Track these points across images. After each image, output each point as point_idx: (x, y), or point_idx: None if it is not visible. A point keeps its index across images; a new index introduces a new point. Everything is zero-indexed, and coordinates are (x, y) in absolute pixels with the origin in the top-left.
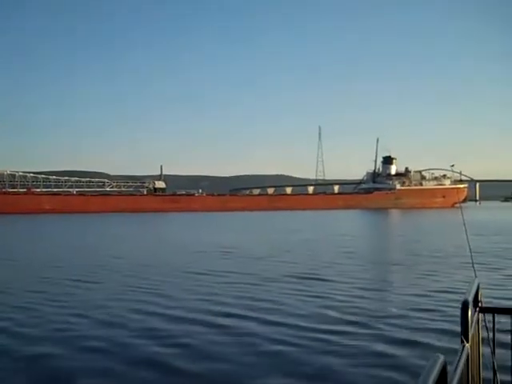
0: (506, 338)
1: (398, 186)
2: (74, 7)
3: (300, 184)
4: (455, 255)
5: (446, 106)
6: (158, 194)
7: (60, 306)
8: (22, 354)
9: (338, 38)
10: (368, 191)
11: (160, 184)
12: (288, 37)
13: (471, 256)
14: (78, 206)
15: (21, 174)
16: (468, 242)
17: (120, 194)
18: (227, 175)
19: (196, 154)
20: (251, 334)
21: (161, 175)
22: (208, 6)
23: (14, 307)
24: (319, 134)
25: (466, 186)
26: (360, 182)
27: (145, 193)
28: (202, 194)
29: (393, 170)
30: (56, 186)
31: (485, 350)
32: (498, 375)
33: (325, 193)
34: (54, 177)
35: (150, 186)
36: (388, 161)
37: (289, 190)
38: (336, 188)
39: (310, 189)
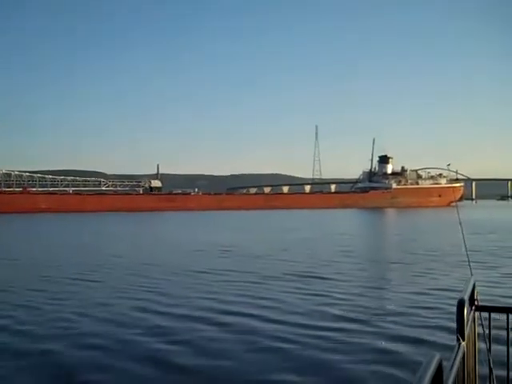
0: (502, 336)
1: (394, 185)
2: (73, 7)
3: (297, 183)
4: (452, 254)
5: (445, 106)
6: (154, 193)
7: (61, 304)
8: (24, 351)
9: (338, 38)
10: (364, 190)
11: (156, 183)
12: (288, 37)
13: (467, 255)
14: (74, 205)
15: (16, 173)
16: (464, 240)
17: (116, 193)
18: (224, 174)
19: (193, 153)
20: (252, 331)
21: (157, 174)
22: (208, 6)
23: (16, 305)
24: (316, 133)
25: (462, 184)
26: (356, 181)
27: (141, 192)
28: (198, 193)
29: (389, 169)
30: (52, 186)
31: (481, 348)
32: (493, 373)
33: (321, 192)
34: (50, 176)
35: (146, 185)
36: (384, 160)
37: (286, 189)
38: (333, 187)
39: (307, 188)
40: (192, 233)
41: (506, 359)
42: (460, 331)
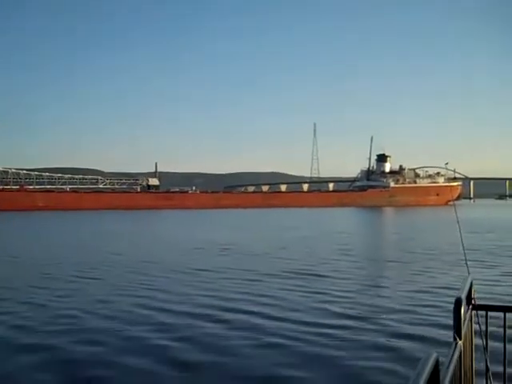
0: (499, 335)
1: (392, 184)
2: (73, 7)
3: (295, 181)
4: (450, 253)
5: (444, 106)
6: (151, 191)
7: (61, 301)
8: (28, 347)
9: (338, 37)
10: (362, 189)
11: (153, 181)
12: (288, 37)
13: (464, 254)
14: (72, 203)
15: (14, 170)
16: (461, 239)
17: (113, 191)
18: (222, 172)
19: (192, 152)
20: (254, 328)
21: (155, 172)
22: (208, 6)
23: (20, 302)
24: (314, 131)
25: (459, 183)
26: (354, 180)
27: (138, 190)
28: (195, 191)
29: (387, 167)
30: (49, 183)
31: (477, 347)
32: (490, 372)
33: (319, 190)
34: (47, 174)
35: (144, 184)
36: (382, 159)
37: (284, 187)
38: (331, 185)
39: (305, 186)
40: (190, 231)
41: (502, 360)
42: (457, 330)
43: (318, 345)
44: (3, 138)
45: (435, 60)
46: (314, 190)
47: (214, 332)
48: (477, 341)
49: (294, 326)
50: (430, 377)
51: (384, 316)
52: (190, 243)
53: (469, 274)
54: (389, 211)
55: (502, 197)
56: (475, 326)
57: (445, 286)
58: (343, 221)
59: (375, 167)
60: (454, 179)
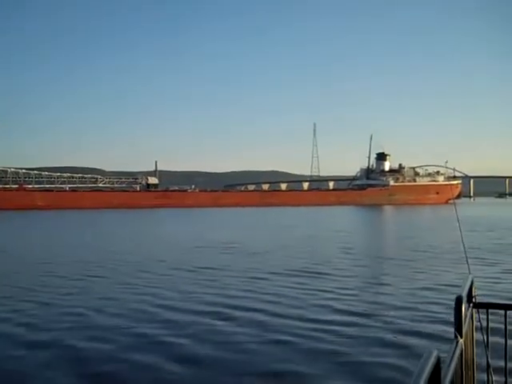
0: (500, 332)
1: (392, 183)
2: (73, 7)
3: (295, 180)
4: (451, 251)
5: (444, 105)
6: (151, 189)
7: (66, 299)
8: (38, 343)
9: (338, 37)
10: (362, 187)
11: (153, 180)
12: (288, 36)
13: (465, 252)
14: (71, 202)
15: (13, 170)
16: (462, 238)
17: (113, 190)
18: (223, 171)
19: (192, 151)
20: (259, 325)
21: (155, 171)
22: (208, 6)
23: (24, 300)
24: (314, 130)
25: (459, 182)
26: (354, 179)
27: (138, 189)
28: (194, 189)
29: (386, 166)
30: (48, 182)
31: (478, 345)
32: (491, 369)
33: (318, 189)
34: (47, 173)
35: (143, 182)
36: (382, 157)
37: (284, 186)
38: (331, 184)
39: (305, 185)
40: (190, 230)
41: (503, 358)
42: (458, 328)
43: (323, 341)
44: (3, 137)
45: (435, 60)
46: (313, 189)
47: (219, 329)
48: (478, 338)
49: (298, 323)
50: (431, 375)
51: (389, 313)
52: (191, 242)
53: (470, 272)
54: (388, 210)
55: (501, 195)
56: (476, 324)
57: (447, 284)
58: (343, 220)
59: (375, 166)
60: (454, 178)
